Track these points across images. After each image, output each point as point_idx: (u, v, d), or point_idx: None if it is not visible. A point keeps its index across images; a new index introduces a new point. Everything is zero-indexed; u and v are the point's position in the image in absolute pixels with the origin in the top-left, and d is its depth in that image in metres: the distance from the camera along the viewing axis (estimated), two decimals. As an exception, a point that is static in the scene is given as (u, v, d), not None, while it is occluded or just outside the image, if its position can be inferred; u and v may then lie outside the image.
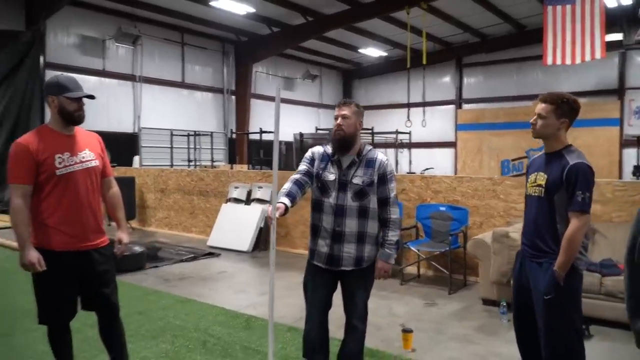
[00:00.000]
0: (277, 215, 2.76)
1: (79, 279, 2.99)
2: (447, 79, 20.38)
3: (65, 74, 3.17)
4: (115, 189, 3.33)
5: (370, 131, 15.48)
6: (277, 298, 5.15)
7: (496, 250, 4.73)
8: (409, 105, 14.38)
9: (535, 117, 2.75)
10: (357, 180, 2.94)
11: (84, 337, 3.82)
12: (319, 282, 3.04)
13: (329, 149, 3.07)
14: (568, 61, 11.15)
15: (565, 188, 2.62)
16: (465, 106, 19.65)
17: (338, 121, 2.96)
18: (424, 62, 13.94)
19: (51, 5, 12.51)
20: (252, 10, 14.57)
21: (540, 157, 2.87)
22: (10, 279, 5.54)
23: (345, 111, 2.97)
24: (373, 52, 19.64)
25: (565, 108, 2.70)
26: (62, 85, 2.96)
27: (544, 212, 2.71)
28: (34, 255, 2.79)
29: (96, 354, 3.59)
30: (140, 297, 5.23)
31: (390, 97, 21.18)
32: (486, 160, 14.54)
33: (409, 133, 16.10)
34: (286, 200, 2.85)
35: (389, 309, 4.97)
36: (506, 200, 5.83)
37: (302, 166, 3.08)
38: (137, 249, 6.57)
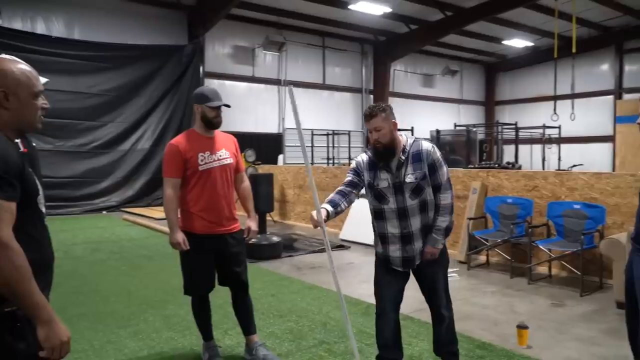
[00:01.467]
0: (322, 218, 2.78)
1: (215, 258, 3.52)
2: (604, 67, 18.51)
3: (207, 86, 3.72)
4: (246, 183, 3.82)
5: (513, 127, 14.79)
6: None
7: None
8: (555, 98, 13.42)
9: None
10: (410, 179, 2.90)
11: (224, 312, 4.40)
12: (392, 278, 3.07)
13: (373, 157, 3.01)
14: None
15: None
16: (626, 96, 17.67)
17: (373, 135, 2.90)
18: (574, 50, 12.90)
19: (209, 20, 14.08)
20: (389, 10, 14.81)
21: None
22: (168, 261, 6.48)
23: (377, 123, 2.87)
24: (518, 42, 18.64)
25: None
26: (205, 96, 3.49)
27: None
28: (179, 236, 3.37)
29: (232, 326, 4.12)
30: (274, 282, 5.80)
31: (537, 90, 19.87)
32: (650, 156, 13.00)
33: (558, 127, 15.01)
34: (328, 207, 2.91)
35: (510, 306, 4.88)
36: (652, 198, 5.31)
37: (347, 178, 3.07)
38: (275, 239, 7.22)
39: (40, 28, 12.38)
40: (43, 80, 2.65)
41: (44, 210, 1.92)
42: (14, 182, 1.63)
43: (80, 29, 12.87)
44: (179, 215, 3.49)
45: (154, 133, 13.45)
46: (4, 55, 2.14)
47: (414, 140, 2.97)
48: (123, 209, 12.54)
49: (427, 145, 2.96)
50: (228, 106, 3.57)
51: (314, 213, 2.79)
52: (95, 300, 5.07)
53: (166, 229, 3.66)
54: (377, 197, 2.98)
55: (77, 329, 4.15)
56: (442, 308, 3.09)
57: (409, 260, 3.01)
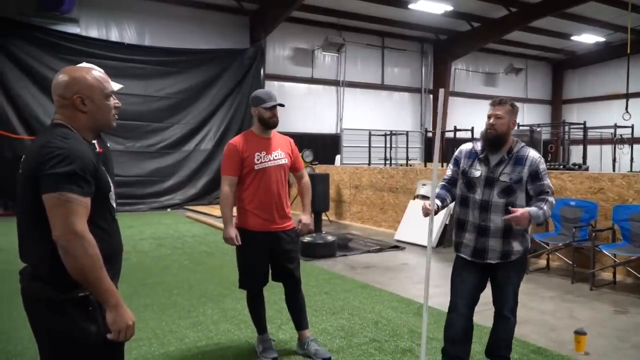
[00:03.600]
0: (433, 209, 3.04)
1: (269, 254, 3.66)
2: (682, 62, 17.27)
3: (263, 89, 3.87)
4: (305, 179, 3.93)
5: (581, 126, 14.13)
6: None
7: None
8: (627, 96, 12.69)
9: None
10: (504, 178, 2.96)
11: (279, 307, 4.55)
12: (466, 274, 3.11)
13: (478, 145, 3.12)
14: None
15: None
16: None
17: (491, 120, 3.00)
18: (648, 45, 12.17)
19: (270, 24, 14.41)
20: (450, 8, 14.55)
21: None
22: (227, 257, 6.72)
23: (499, 111, 2.99)
24: (588, 38, 17.76)
25: None
26: (260, 98, 3.63)
27: None
28: (232, 232, 3.53)
29: (286, 321, 4.26)
30: (328, 280, 5.90)
31: (608, 88, 18.87)
32: None
33: (631, 127, 14.18)
34: (437, 201, 3.11)
35: (570, 312, 4.73)
36: None
37: (449, 171, 3.22)
38: (330, 238, 7.32)
39: (114, 35, 13.16)
40: (117, 86, 2.88)
41: (114, 205, 2.10)
42: (89, 179, 1.80)
43: (151, 36, 13.56)
44: (235, 212, 3.66)
45: (216, 134, 13.94)
46: (84, 64, 2.36)
47: (522, 146, 3.04)
48: (186, 207, 13.09)
49: (534, 154, 3.01)
50: (282, 105, 3.70)
51: (428, 203, 3.03)
52: (159, 292, 5.36)
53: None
54: (467, 185, 3.10)
55: (141, 318, 4.43)
56: (507, 310, 3.09)
57: (479, 252, 3.05)
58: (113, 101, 2.04)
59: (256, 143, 3.62)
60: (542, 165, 2.98)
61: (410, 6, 14.14)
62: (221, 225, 3.79)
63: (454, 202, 3.27)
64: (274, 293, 4.51)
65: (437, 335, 4.09)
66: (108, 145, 3.33)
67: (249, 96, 3.77)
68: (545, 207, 2.91)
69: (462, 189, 3.15)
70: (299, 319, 3.78)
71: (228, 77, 14.14)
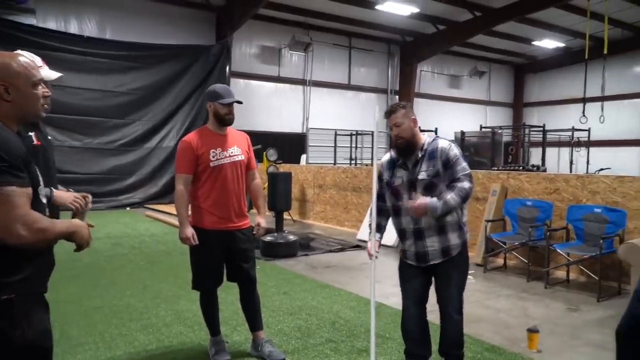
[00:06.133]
0: (376, 251, 3.07)
1: (224, 254, 3.56)
2: (636, 69, 17.99)
3: (220, 84, 3.77)
4: (257, 180, 3.84)
5: (541, 129, 14.51)
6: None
7: (651, 257, 4.26)
8: (584, 100, 13.09)
9: None
10: (422, 176, 2.96)
11: (235, 308, 4.43)
12: (411, 274, 3.12)
13: (394, 154, 3.11)
14: None
15: None
16: (660, 99, 17.11)
17: (394, 131, 2.99)
18: (605, 51, 12.56)
19: (237, 21, 14.23)
20: (416, 10, 14.70)
21: None
22: (185, 257, 6.49)
23: (397, 119, 2.97)
24: (549, 43, 18.25)
25: None
26: (217, 93, 3.53)
27: None
28: (189, 231, 3.42)
29: (242, 322, 4.14)
30: (288, 280, 5.83)
31: (566, 92, 19.43)
32: (684, 161, 12.59)
33: (588, 130, 14.64)
34: (378, 236, 3.18)
35: (524, 310, 4.80)
36: (676, 203, 5.15)
37: (377, 188, 3.12)
38: (291, 237, 7.25)
39: (73, 28, 12.74)
40: (54, 74, 2.74)
41: (44, 201, 1.98)
42: (23, 169, 1.72)
43: (112, 29, 13.20)
44: (190, 211, 3.55)
45: (179, 132, 13.66)
46: (18, 52, 2.23)
47: (433, 139, 3.02)
48: (147, 206, 12.80)
49: (443, 143, 2.98)
50: (240, 102, 3.61)
51: (370, 247, 3.09)
52: (111, 293, 5.19)
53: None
54: (394, 194, 3.09)
55: (90, 321, 4.27)
56: (451, 308, 3.06)
57: (421, 256, 3.05)
58: (42, 90, 1.92)
59: (211, 139, 3.52)
60: (453, 152, 2.96)
61: (378, 7, 14.20)
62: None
63: None
64: (231, 293, 4.40)
65: (393, 335, 4.08)
66: (49, 138, 3.19)
67: (211, 92, 3.65)
68: (448, 197, 2.88)
69: (391, 200, 3.13)
70: (254, 320, 3.69)
71: (192, 73, 13.89)
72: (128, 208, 12.69)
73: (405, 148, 3.00)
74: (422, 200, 2.88)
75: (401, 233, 3.13)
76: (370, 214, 3.20)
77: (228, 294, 4.39)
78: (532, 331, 3.84)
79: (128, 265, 6.46)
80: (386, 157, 3.20)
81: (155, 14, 13.71)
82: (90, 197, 2.56)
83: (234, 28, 14.44)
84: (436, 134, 13.36)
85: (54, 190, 2.64)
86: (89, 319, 4.30)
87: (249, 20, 14.46)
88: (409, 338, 3.18)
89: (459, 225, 3.04)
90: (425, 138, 3.05)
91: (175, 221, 9.65)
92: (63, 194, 2.63)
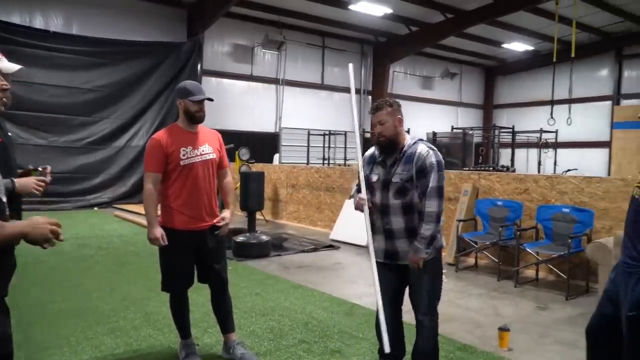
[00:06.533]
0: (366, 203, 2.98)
1: (195, 255, 3.48)
2: (603, 72, 18.49)
3: (190, 81, 3.68)
4: (229, 178, 3.76)
5: (510, 130, 14.76)
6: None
7: (618, 255, 4.32)
8: (552, 103, 13.38)
9: None
10: (396, 178, 2.91)
11: (206, 310, 4.35)
12: (384, 275, 3.04)
13: (376, 150, 3.08)
14: None
15: None
16: (625, 102, 17.66)
17: (377, 129, 2.94)
18: (573, 54, 12.86)
19: (209, 18, 14.04)
20: (389, 11, 14.77)
21: None
22: (155, 257, 6.39)
23: (381, 117, 2.93)
24: (518, 46, 18.58)
25: None
26: (187, 90, 3.44)
27: (638, 217, 2.36)
28: (158, 232, 3.33)
29: (213, 324, 4.06)
30: (260, 280, 5.76)
31: (535, 94, 19.86)
32: (646, 162, 12.97)
33: (555, 132, 14.97)
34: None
35: (495, 309, 4.85)
36: (640, 203, 5.27)
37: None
38: (264, 238, 7.18)
39: (38, 23, 12.35)
40: (15, 67, 2.62)
41: (4, 199, 1.90)
42: None
43: (79, 25, 12.84)
44: (159, 211, 3.45)
45: (149, 130, 13.38)
46: None
47: (414, 142, 2.95)
48: (115, 206, 12.50)
49: (422, 149, 2.89)
50: (211, 100, 3.53)
51: (360, 195, 2.99)
52: (77, 296, 5.02)
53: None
54: (369, 189, 3.04)
55: (55, 325, 4.12)
56: (421, 314, 2.98)
57: (390, 254, 3.01)
58: (0, 83, 1.83)
59: (182, 137, 3.43)
60: (430, 160, 2.84)
61: (351, 7, 14.22)
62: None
63: None
64: (201, 295, 4.32)
65: (367, 335, 4.05)
66: (10, 135, 3.07)
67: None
68: (422, 230, 2.82)
69: (368, 195, 3.08)
70: (225, 322, 3.62)
71: (163, 71, 13.63)
72: (96, 208, 12.37)
73: (387, 146, 2.95)
74: (410, 255, 2.88)
75: (373, 227, 3.07)
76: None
77: (199, 295, 4.30)
78: (503, 330, 3.88)
79: (95, 267, 6.28)
80: (370, 150, 3.14)
81: (124, 10, 13.41)
82: (49, 167, 2.53)
83: (206, 25, 14.24)
84: (409, 134, 13.47)
85: (15, 180, 2.59)
86: (53, 322, 4.16)
87: (221, 18, 14.29)
88: (381, 338, 3.15)
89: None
90: (407, 139, 2.97)
91: (144, 221, 9.46)
92: (24, 181, 2.60)
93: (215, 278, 3.56)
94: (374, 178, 3.01)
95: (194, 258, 3.49)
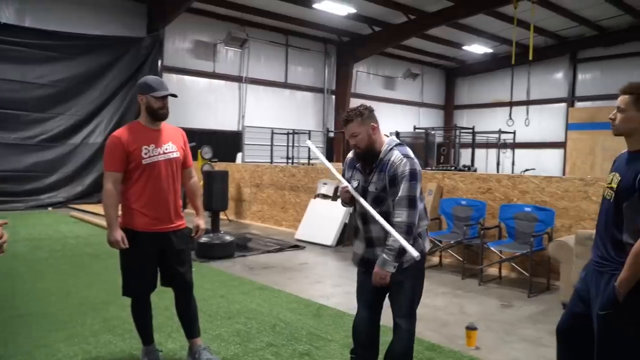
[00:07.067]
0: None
1: (158, 257, 3.34)
2: (558, 75, 19.12)
3: (152, 76, 3.53)
4: (194, 179, 3.64)
5: (471, 131, 15.02)
6: (351, 291, 5.31)
7: (579, 253, 4.45)
8: (511, 104, 13.74)
9: (615, 111, 2.40)
10: (372, 187, 2.81)
11: (169, 314, 4.20)
12: (363, 277, 2.99)
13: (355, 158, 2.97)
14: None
15: (638, 197, 2.24)
16: (579, 104, 18.31)
17: (351, 141, 2.82)
18: (530, 57, 13.22)
19: (170, 13, 13.71)
20: (353, 10, 14.81)
21: (624, 154, 2.48)
22: (114, 260, 6.15)
23: (353, 129, 2.78)
24: (478, 48, 19.00)
25: None
26: (149, 86, 3.28)
27: (611, 218, 2.39)
28: (118, 234, 3.17)
29: (176, 329, 3.93)
30: (224, 282, 5.63)
31: (494, 96, 20.34)
32: (599, 162, 13.48)
33: (513, 133, 15.36)
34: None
35: (460, 307, 4.89)
36: (598, 202, 5.40)
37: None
38: (228, 238, 7.03)
39: (-13, 14, 11.76)
40: None
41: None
42: None
43: (32, 16, 12.27)
44: (120, 212, 3.30)
45: (107, 127, 12.95)
46: None
47: (390, 149, 2.80)
48: (71, 206, 12.04)
49: (396, 157, 2.74)
50: (175, 96, 3.39)
51: (342, 186, 2.87)
52: (30, 301, 4.77)
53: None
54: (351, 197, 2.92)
55: (7, 333, 3.90)
56: (398, 317, 2.89)
57: (366, 262, 2.92)
58: None
59: (144, 135, 3.29)
60: (403, 169, 2.70)
61: (315, 6, 14.18)
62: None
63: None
64: (164, 298, 4.15)
65: (335, 337, 4.01)
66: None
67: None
68: (393, 245, 2.67)
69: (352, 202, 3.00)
70: (190, 327, 3.49)
71: (121, 66, 13.22)
72: (50, 208, 11.87)
73: (364, 156, 2.83)
74: (376, 269, 2.75)
75: (356, 232, 2.99)
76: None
77: (161, 299, 4.14)
78: (470, 329, 3.91)
79: (50, 271, 6.00)
80: (350, 154, 3.03)
81: (80, 2, 12.91)
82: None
83: (167, 21, 13.91)
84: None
85: None
86: (5, 330, 3.92)
87: (183, 14, 13.97)
88: (356, 339, 3.07)
89: (415, 237, 2.82)
90: (384, 145, 2.82)
91: (102, 222, 9.15)
92: None
93: (180, 281, 3.43)
94: (354, 184, 2.90)
95: (157, 261, 3.35)
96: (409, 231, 2.70)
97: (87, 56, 12.68)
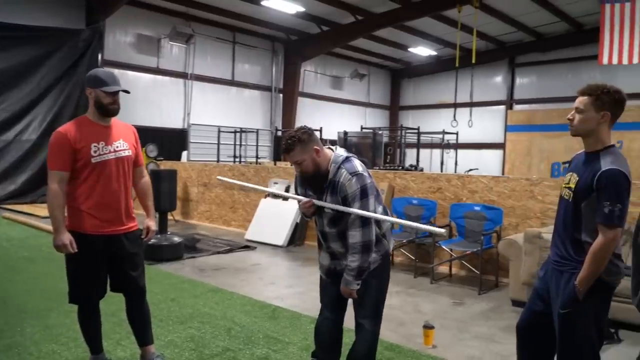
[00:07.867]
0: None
1: (108, 262, 3.15)
2: (498, 78, 19.88)
3: (104, 69, 3.32)
4: (146, 178, 3.47)
5: (416, 131, 15.34)
6: (305, 291, 5.28)
7: (527, 250, 4.61)
8: (455, 106, 14.14)
9: (572, 112, 2.45)
10: (327, 209, 2.77)
11: (117, 320, 4.01)
12: (328, 281, 2.98)
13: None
14: (625, 61, 10.68)
15: (595, 196, 2.29)
16: (517, 107, 19.12)
17: (296, 168, 2.78)
18: (473, 61, 13.64)
19: (111, 4, 13.11)
20: (302, 9, 14.74)
21: (581, 155, 2.55)
22: (53, 263, 5.84)
23: (296, 157, 2.66)
24: (423, 51, 19.41)
25: (605, 99, 2.35)
26: (99, 79, 3.08)
27: (569, 218, 2.45)
28: (66, 237, 2.96)
29: (127, 335, 3.75)
30: (174, 285, 5.43)
31: (438, 97, 20.89)
32: (536, 163, 14.06)
33: (456, 134, 15.82)
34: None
35: (414, 305, 4.96)
36: (543, 201, 5.66)
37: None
38: (176, 239, 6.81)
39: None
40: None
41: None
42: None
43: (-44, 3, 11.44)
44: (66, 214, 3.08)
45: (42, 123, 12.24)
46: None
47: (337, 167, 2.68)
48: (3, 206, 11.28)
49: (344, 177, 2.65)
50: (127, 92, 3.21)
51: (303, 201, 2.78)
52: (-38, 309, 4.42)
53: (49, 226, 3.23)
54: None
55: (-64, 345, 3.57)
56: (361, 317, 2.87)
57: (332, 272, 2.91)
58: None
59: (93, 132, 3.09)
60: (352, 188, 2.63)
61: (263, 3, 14.01)
62: (46, 226, 3.19)
63: None
64: (111, 303, 3.93)
65: (293, 339, 3.95)
66: None
67: (84, 82, 3.18)
68: (351, 265, 2.66)
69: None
70: (143, 334, 3.33)
71: (58, 60, 12.49)
72: (-21, 209, 11.11)
73: (312, 180, 2.76)
74: (342, 287, 2.75)
75: (320, 245, 2.98)
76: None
77: (107, 304, 3.89)
78: (427, 327, 3.95)
79: (-18, 276, 5.58)
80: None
81: (13, -10, 12.14)
82: None
83: (107, 13, 13.30)
84: (321, 133, 13.51)
85: None
86: None
87: (124, 6, 13.41)
88: (318, 341, 3.05)
89: (379, 238, 2.82)
90: (331, 164, 2.70)
91: (39, 223, 8.65)
92: None
93: (133, 287, 3.26)
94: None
95: (106, 265, 3.17)
96: (364, 250, 2.67)
97: (19, 48, 11.88)
